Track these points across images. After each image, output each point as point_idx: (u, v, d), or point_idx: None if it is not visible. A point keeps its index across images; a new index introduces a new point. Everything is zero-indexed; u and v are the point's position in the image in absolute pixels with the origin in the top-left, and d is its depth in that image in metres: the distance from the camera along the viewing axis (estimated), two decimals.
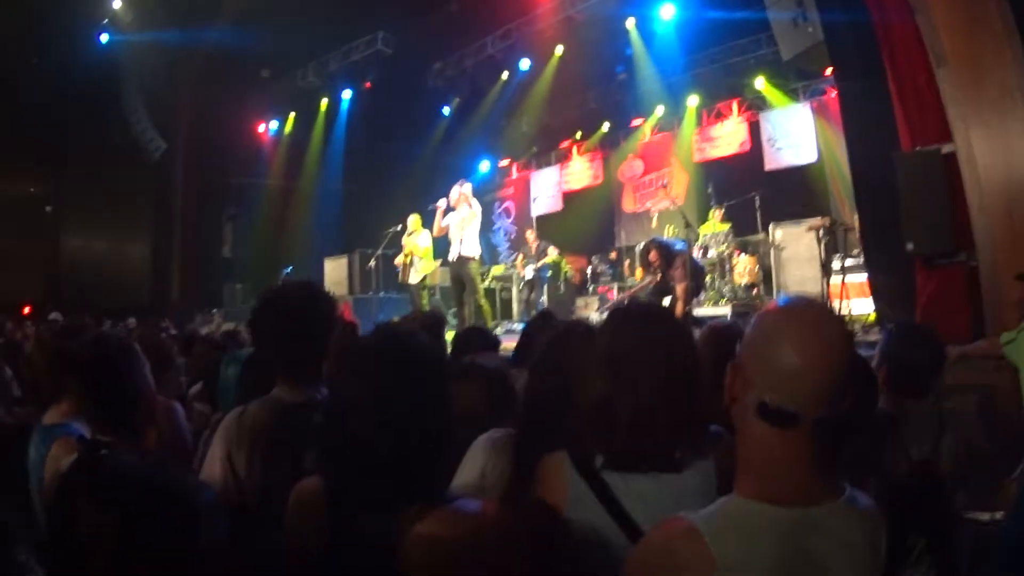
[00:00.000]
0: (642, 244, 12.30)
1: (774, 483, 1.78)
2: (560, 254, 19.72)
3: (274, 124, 26.75)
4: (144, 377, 3.36)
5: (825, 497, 1.79)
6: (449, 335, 5.78)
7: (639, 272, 18.15)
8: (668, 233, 17.02)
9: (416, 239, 15.28)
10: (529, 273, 18.47)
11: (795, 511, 1.75)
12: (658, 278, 11.60)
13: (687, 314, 11.78)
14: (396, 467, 2.08)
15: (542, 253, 18.36)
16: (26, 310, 23.78)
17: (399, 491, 2.05)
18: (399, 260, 15.46)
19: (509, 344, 5.82)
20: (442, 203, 13.90)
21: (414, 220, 15.47)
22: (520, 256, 19.32)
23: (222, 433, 3.11)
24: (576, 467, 2.43)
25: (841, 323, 1.86)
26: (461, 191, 13.68)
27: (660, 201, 20.42)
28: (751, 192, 16.76)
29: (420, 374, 2.20)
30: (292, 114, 26.18)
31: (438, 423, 2.20)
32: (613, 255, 20.14)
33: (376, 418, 2.08)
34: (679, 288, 11.41)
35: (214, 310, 22.16)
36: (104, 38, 22.32)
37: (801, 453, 1.76)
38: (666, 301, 11.54)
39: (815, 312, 1.82)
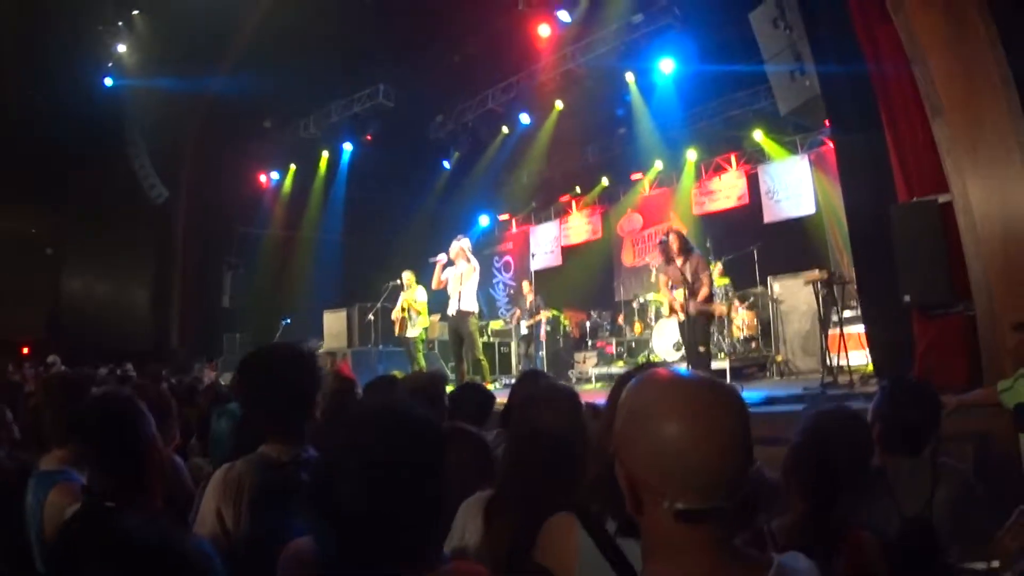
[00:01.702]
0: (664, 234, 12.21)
1: (681, 572, 1.68)
2: (557, 310, 19.74)
3: (275, 174, 26.85)
4: (150, 435, 3.39)
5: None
6: (449, 388, 5.77)
7: (638, 326, 18.18)
8: None
9: (412, 294, 15.27)
10: (524, 328, 18.45)
11: None
12: (678, 267, 11.41)
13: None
14: (389, 533, 2.05)
15: (536, 309, 18.31)
16: (25, 350, 23.81)
17: (392, 556, 2.04)
18: (395, 315, 15.43)
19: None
20: (442, 257, 13.91)
21: (408, 276, 15.46)
22: (517, 311, 19.28)
23: (212, 488, 3.16)
24: (588, 532, 2.38)
25: (729, 399, 1.69)
26: (460, 246, 13.70)
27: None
28: (750, 245, 16.73)
29: (414, 444, 2.17)
30: (293, 166, 26.31)
31: (432, 491, 2.17)
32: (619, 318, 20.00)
33: (368, 488, 2.06)
34: (704, 280, 11.26)
35: (197, 364, 22.12)
36: (108, 82, 22.44)
37: (707, 541, 1.66)
38: (678, 295, 11.40)
39: (702, 397, 1.66)
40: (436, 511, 2.22)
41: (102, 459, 3.25)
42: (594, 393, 12.83)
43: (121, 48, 21.85)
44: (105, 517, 2.70)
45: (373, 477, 2.06)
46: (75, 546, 1.71)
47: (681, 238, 11.56)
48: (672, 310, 11.88)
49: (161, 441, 3.59)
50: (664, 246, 11.67)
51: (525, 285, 19.58)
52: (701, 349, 11.46)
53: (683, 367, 1.91)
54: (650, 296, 17.32)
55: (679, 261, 11.42)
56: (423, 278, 15.08)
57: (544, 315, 18.41)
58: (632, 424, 1.71)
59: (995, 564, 3.15)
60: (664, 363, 11.72)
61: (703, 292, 11.29)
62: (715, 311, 14.50)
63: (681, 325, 11.92)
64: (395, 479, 2.07)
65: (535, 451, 3.02)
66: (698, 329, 11.45)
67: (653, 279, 11.97)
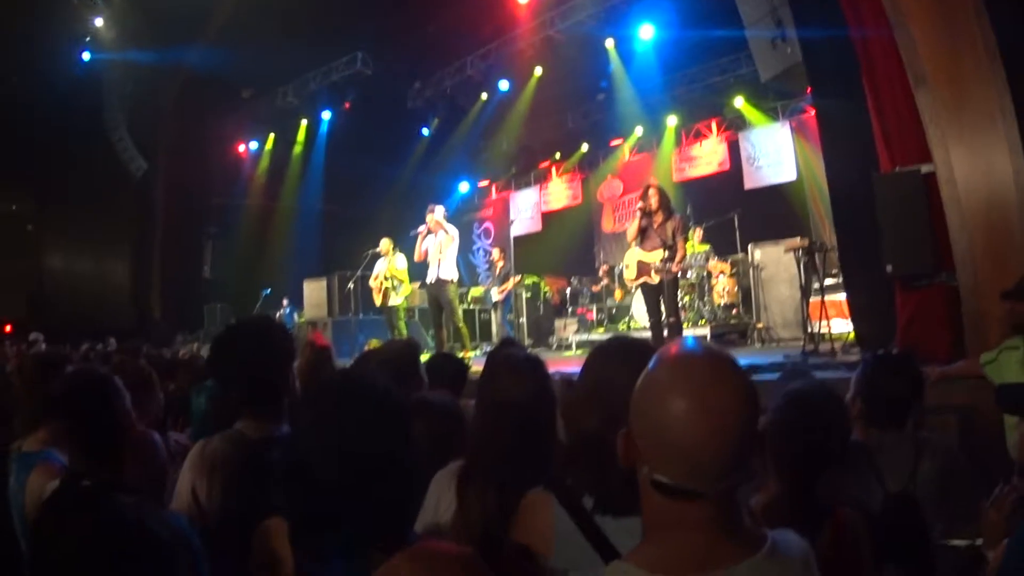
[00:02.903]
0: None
1: (671, 551, 1.66)
2: (538, 276, 19.71)
3: (254, 144, 26.77)
4: (123, 411, 3.39)
5: (739, 556, 1.65)
6: (427, 357, 5.74)
7: (618, 293, 18.14)
8: None
9: (391, 261, 15.22)
10: (496, 295, 18.44)
11: None
12: (654, 223, 11.02)
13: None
14: (360, 509, 2.04)
15: (506, 276, 18.33)
16: (7, 328, 23.70)
17: (364, 532, 2.03)
18: (375, 283, 15.38)
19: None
20: (422, 229, 13.84)
21: (386, 244, 15.39)
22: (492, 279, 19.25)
23: (188, 464, 3.15)
24: (565, 508, 2.34)
25: (737, 381, 1.66)
26: (435, 217, 13.62)
27: None
28: (730, 212, 16.71)
29: (382, 418, 2.15)
30: (272, 134, 26.21)
31: (401, 465, 2.15)
32: (603, 270, 19.89)
33: (338, 463, 2.04)
34: (680, 244, 10.91)
35: (179, 336, 22.11)
36: (86, 56, 22.26)
37: (700, 521, 1.64)
38: (655, 256, 11.06)
39: (707, 375, 1.64)
40: (406, 485, 2.20)
41: (77, 438, 3.25)
42: (574, 360, 12.81)
43: (98, 22, 21.66)
44: (81, 496, 2.68)
45: (337, 450, 2.05)
46: (52, 526, 1.69)
47: (662, 193, 11.13)
48: (642, 272, 11.24)
49: (135, 417, 3.59)
50: (644, 198, 11.21)
51: (495, 252, 19.48)
52: (672, 320, 11.05)
53: (690, 338, 1.84)
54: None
55: (659, 218, 10.97)
56: (404, 248, 15.01)
57: (513, 281, 18.37)
58: (639, 390, 1.70)
59: (978, 541, 3.14)
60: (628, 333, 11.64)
61: (679, 255, 10.91)
62: (713, 270, 14.46)
63: (648, 289, 11.34)
64: (360, 452, 2.05)
65: (500, 422, 2.96)
66: (670, 296, 11.05)
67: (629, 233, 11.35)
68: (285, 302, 22.57)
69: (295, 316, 22.14)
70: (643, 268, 11.15)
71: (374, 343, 12.43)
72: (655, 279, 10.95)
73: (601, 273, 19.55)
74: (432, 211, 13.76)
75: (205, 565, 1.91)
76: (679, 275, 11.67)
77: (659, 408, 1.62)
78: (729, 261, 15.87)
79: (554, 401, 3.10)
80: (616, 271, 18.27)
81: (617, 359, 2.43)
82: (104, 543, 1.62)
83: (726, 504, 1.66)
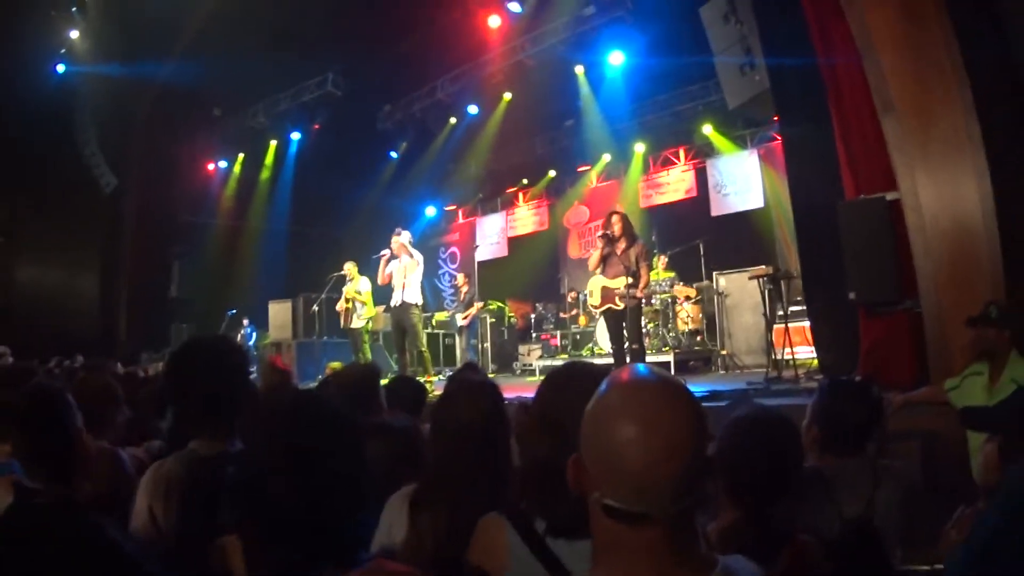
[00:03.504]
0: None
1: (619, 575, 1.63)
2: (502, 302, 19.73)
3: (223, 163, 26.63)
4: (76, 428, 3.36)
5: None
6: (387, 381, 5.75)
7: (583, 319, 18.15)
8: None
9: (355, 285, 15.24)
10: (460, 320, 18.46)
11: None
12: (617, 249, 11.01)
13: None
14: (313, 528, 2.03)
15: (470, 301, 18.42)
16: None
17: (317, 552, 2.01)
18: (340, 306, 15.37)
19: None
20: (386, 252, 13.85)
21: (350, 267, 15.48)
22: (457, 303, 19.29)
23: (143, 485, 3.18)
24: (518, 532, 2.35)
25: (686, 405, 1.63)
26: (400, 241, 13.62)
27: None
28: (696, 239, 16.74)
29: (334, 436, 2.16)
30: (241, 154, 26.10)
31: (355, 484, 2.15)
32: (572, 296, 19.89)
33: (288, 482, 2.03)
34: (644, 271, 10.89)
35: (144, 354, 21.97)
36: (60, 68, 22.13)
37: (650, 545, 1.60)
38: (619, 282, 11.04)
39: (656, 399, 1.62)
40: (359, 504, 2.19)
41: (30, 452, 3.24)
42: (537, 386, 12.79)
43: (74, 34, 21.53)
44: (32, 512, 2.64)
45: (287, 468, 2.04)
46: (4, 543, 1.66)
47: (625, 219, 11.15)
48: (607, 298, 11.20)
49: (93, 433, 3.60)
50: (607, 225, 11.19)
51: (460, 277, 19.59)
52: (635, 347, 11.03)
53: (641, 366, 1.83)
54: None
55: (622, 245, 11.01)
56: (367, 271, 15.03)
57: (477, 307, 18.45)
58: (588, 415, 1.68)
59: (938, 566, 3.13)
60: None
61: (643, 281, 10.91)
62: (679, 295, 14.46)
63: (611, 316, 11.33)
64: (310, 470, 2.05)
65: (454, 445, 3.00)
66: (633, 322, 11.02)
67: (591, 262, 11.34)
68: (245, 322, 22.48)
69: (254, 336, 22.08)
70: (607, 295, 11.15)
71: (335, 365, 12.38)
72: (619, 305, 10.95)
73: (570, 299, 19.58)
74: (398, 234, 13.77)
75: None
76: (643, 302, 11.65)
77: (609, 432, 1.60)
78: (694, 287, 15.88)
79: (508, 426, 3.15)
80: (581, 297, 18.28)
81: (569, 385, 2.42)
82: (57, 559, 1.58)
83: (678, 528, 1.63)
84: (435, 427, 3.13)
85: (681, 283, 15.97)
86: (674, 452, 1.55)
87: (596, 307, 11.56)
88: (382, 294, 14.76)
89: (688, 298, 15.57)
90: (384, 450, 3.31)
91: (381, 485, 3.02)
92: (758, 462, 3.00)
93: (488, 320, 19.32)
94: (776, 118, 14.25)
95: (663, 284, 15.71)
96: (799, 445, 3.37)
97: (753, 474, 2.98)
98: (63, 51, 21.86)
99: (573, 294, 19.76)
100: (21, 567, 1.60)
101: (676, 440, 1.56)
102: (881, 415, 4.02)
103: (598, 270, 11.34)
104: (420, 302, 13.62)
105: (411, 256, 13.52)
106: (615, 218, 11.07)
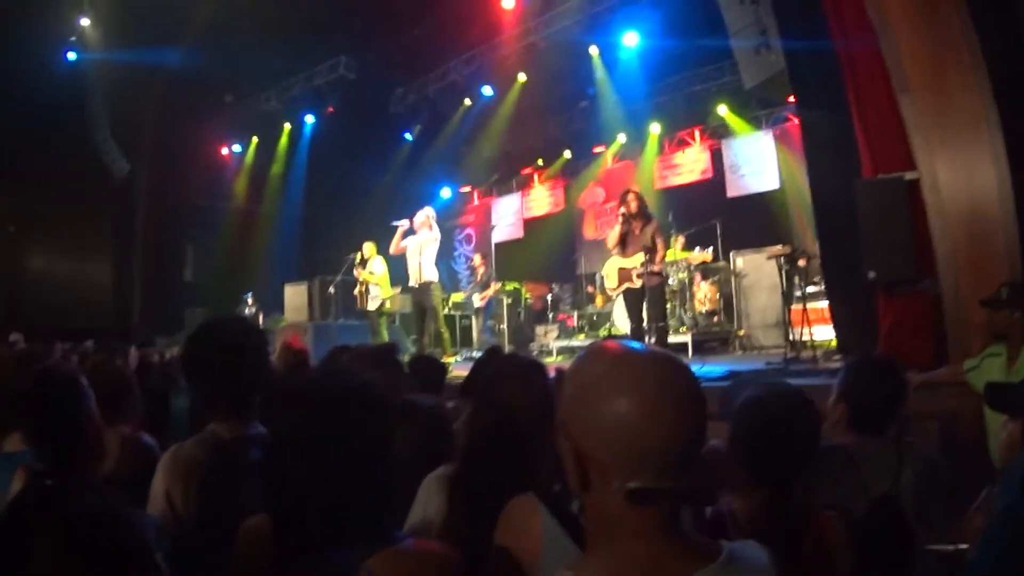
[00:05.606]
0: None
1: (619, 561, 1.60)
2: (519, 283, 19.71)
3: (237, 147, 26.70)
4: (88, 412, 3.29)
5: (691, 566, 1.59)
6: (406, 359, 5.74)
7: (599, 299, 18.13)
8: None
9: (371, 266, 15.22)
10: (477, 302, 18.51)
11: None
12: (635, 228, 11.02)
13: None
14: (341, 507, 2.03)
15: (487, 282, 18.47)
16: None
17: (346, 530, 2.02)
18: (357, 289, 15.37)
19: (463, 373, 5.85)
20: (404, 223, 13.82)
21: (369, 247, 15.44)
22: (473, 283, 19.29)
23: (161, 468, 3.13)
24: (553, 514, 2.32)
25: (682, 369, 1.63)
26: (427, 214, 13.62)
27: None
28: (712, 219, 16.70)
29: (360, 414, 2.15)
30: (255, 138, 26.17)
31: (381, 462, 2.14)
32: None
33: (315, 459, 2.04)
34: (660, 246, 10.90)
35: (159, 339, 21.97)
36: (71, 55, 22.13)
37: (650, 529, 1.59)
38: (635, 260, 11.06)
39: (657, 368, 1.60)
40: (389, 482, 2.18)
41: (42, 435, 3.20)
42: (554, 366, 12.80)
43: (85, 21, 21.53)
44: (44, 494, 2.66)
45: (318, 447, 2.05)
46: (14, 524, 1.68)
47: (641, 198, 11.16)
48: (624, 279, 11.27)
49: (109, 419, 3.57)
50: (623, 203, 11.21)
51: (476, 258, 19.63)
52: (660, 324, 11.11)
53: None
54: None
55: (639, 223, 11.08)
56: (384, 245, 14.96)
57: (494, 287, 18.47)
58: (581, 399, 1.64)
59: (962, 547, 3.12)
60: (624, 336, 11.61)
61: (659, 255, 10.99)
62: (693, 260, 14.44)
63: (630, 295, 11.38)
64: (339, 448, 2.05)
65: (501, 426, 2.93)
66: (656, 301, 11.10)
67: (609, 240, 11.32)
68: (250, 300, 22.23)
69: (260, 317, 22.03)
70: (624, 275, 11.18)
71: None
72: (637, 283, 10.98)
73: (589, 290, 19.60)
74: (426, 208, 13.79)
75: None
76: (664, 280, 11.65)
77: (615, 411, 1.56)
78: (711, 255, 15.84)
79: (554, 408, 3.08)
80: (598, 278, 18.25)
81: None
82: (68, 541, 1.61)
83: (674, 511, 1.63)
84: (481, 406, 3.08)
85: (697, 248, 15.86)
86: (681, 422, 1.55)
87: (613, 289, 11.57)
88: (399, 276, 14.76)
89: (704, 262, 15.53)
90: (414, 431, 3.27)
91: (409, 465, 2.91)
92: (777, 439, 2.99)
93: (505, 301, 19.29)
94: (791, 99, 14.19)
95: (680, 264, 15.66)
96: (817, 422, 3.37)
97: (772, 451, 2.96)
98: (74, 38, 21.91)
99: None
100: (26, 548, 1.62)
101: (682, 409, 1.56)
102: (904, 394, 4.03)
103: (616, 250, 11.35)
104: (437, 279, 13.61)
105: (431, 230, 13.50)
106: (631, 195, 11.16)
